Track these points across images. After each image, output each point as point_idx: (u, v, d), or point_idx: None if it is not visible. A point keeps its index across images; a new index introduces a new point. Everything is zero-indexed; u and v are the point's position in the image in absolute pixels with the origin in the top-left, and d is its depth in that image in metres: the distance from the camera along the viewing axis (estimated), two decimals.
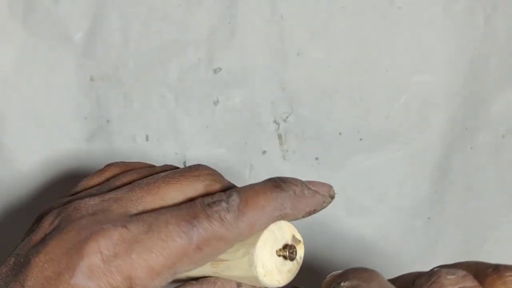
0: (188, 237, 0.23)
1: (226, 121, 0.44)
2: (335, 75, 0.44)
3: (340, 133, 0.45)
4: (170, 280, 0.23)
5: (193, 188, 0.25)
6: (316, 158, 0.46)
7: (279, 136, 0.45)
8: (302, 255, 0.27)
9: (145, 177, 0.26)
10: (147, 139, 0.45)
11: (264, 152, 0.45)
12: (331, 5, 0.43)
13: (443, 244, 0.48)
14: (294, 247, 0.25)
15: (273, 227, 0.25)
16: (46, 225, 0.24)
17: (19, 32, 0.43)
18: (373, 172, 0.46)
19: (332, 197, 0.27)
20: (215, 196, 0.24)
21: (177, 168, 0.28)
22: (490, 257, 0.48)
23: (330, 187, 0.27)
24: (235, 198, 0.24)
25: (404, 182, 0.46)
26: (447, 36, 0.44)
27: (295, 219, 0.26)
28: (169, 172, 0.26)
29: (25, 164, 0.44)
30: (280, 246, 0.25)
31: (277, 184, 0.26)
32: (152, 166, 0.29)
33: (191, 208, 0.24)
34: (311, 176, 0.44)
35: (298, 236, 0.26)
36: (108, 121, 0.44)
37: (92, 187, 0.28)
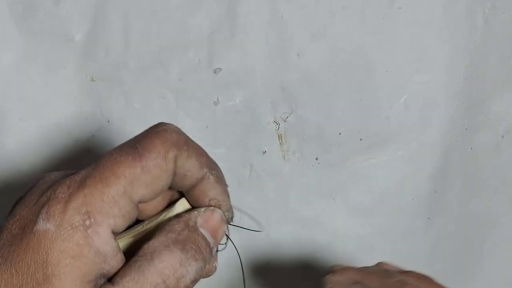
0: (132, 161, 0.24)
1: (227, 121, 0.44)
2: (335, 75, 0.44)
3: (340, 133, 0.45)
4: (131, 209, 0.24)
5: None
6: (316, 158, 0.46)
7: (279, 136, 0.45)
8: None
9: None
10: None
11: (264, 152, 0.45)
12: (331, 5, 0.43)
13: (443, 244, 0.48)
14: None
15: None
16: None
17: (20, 33, 0.43)
18: (373, 172, 0.46)
19: (230, 219, 0.29)
20: None
21: None
22: (490, 257, 0.48)
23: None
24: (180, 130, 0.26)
25: (404, 182, 0.46)
26: (446, 36, 0.44)
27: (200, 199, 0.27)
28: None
29: (25, 164, 0.45)
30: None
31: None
32: None
33: (132, 140, 0.25)
34: (311, 176, 0.45)
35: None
36: (108, 121, 0.45)
37: None
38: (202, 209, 0.26)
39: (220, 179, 0.27)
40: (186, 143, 0.25)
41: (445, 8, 0.43)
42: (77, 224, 0.22)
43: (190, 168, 0.25)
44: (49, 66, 0.43)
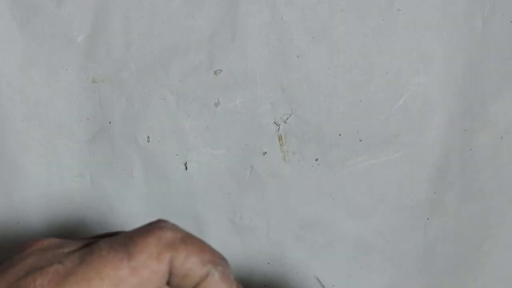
0: (121, 260, 0.22)
1: (227, 122, 0.44)
2: (335, 77, 0.44)
3: (340, 134, 0.45)
4: None
5: None
6: (316, 159, 0.46)
7: (279, 137, 0.45)
8: None
9: None
10: (148, 141, 0.45)
11: (264, 153, 0.45)
12: (331, 7, 0.43)
13: (443, 244, 0.48)
14: None
15: None
16: None
17: (22, 34, 0.43)
18: (373, 173, 0.46)
19: None
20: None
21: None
22: (490, 258, 0.48)
23: None
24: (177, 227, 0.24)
25: (404, 182, 0.46)
26: (445, 38, 0.44)
27: None
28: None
29: (27, 165, 0.45)
30: None
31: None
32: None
33: (124, 236, 0.24)
34: (311, 177, 0.45)
35: None
36: (110, 122, 0.45)
37: None
38: None
39: (226, 276, 0.25)
40: (183, 241, 0.24)
41: (444, 10, 0.43)
42: None
43: (191, 267, 0.24)
44: (51, 68, 0.43)
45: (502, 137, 0.47)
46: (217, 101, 0.44)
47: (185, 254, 0.24)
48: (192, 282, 0.24)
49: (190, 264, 0.24)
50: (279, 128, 0.45)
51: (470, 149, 0.46)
